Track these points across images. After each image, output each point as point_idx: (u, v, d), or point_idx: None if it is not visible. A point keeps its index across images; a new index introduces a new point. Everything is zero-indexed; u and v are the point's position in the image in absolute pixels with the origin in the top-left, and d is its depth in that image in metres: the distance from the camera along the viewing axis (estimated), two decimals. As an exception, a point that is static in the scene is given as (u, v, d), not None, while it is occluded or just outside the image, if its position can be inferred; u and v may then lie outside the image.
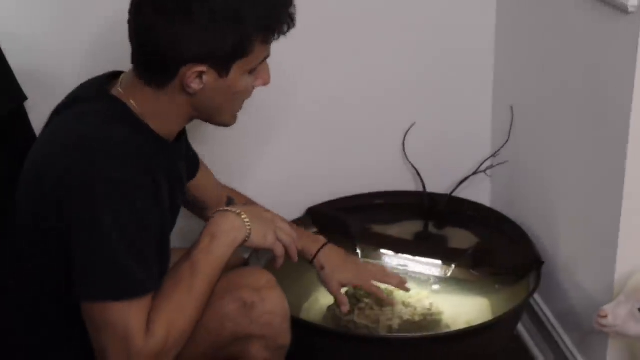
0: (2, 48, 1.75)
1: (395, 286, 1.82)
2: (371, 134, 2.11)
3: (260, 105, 1.80)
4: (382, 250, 2.00)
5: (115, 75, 1.43)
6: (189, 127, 1.55)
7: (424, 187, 2.09)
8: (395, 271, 1.95)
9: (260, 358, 1.44)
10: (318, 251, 1.73)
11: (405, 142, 2.11)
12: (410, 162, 2.12)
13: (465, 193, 2.12)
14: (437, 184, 2.11)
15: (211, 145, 1.79)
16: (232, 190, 1.81)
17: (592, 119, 1.67)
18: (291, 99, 2.00)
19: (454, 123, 2.14)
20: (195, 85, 1.33)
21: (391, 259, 2.00)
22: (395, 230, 2.08)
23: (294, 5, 1.37)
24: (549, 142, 1.91)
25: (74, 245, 1.26)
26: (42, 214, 1.30)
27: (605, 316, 1.47)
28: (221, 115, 1.44)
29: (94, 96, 1.39)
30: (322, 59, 1.97)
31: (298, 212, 2.03)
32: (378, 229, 2.05)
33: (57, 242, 1.27)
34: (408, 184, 2.15)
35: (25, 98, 1.79)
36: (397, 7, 1.99)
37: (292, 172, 1.95)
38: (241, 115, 1.52)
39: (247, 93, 1.43)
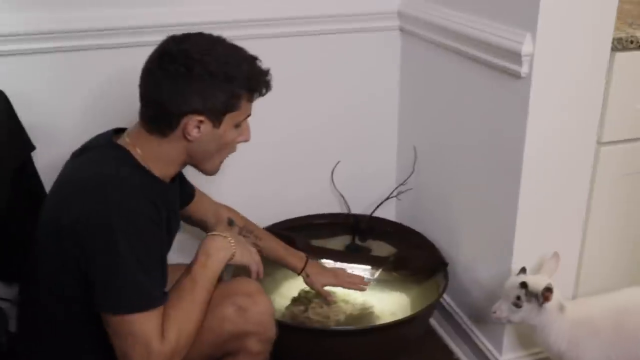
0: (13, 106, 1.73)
1: (358, 284, 1.92)
2: (307, 170, 2.16)
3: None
4: (323, 260, 2.03)
5: (118, 131, 1.43)
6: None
7: (349, 209, 2.15)
8: None
9: (255, 350, 1.44)
10: (304, 266, 1.85)
11: (333, 175, 2.18)
12: (337, 190, 2.18)
13: (378, 213, 2.16)
14: (359, 207, 2.17)
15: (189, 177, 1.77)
16: (232, 211, 1.81)
17: (488, 154, 1.70)
18: (246, 144, 2.04)
19: (369, 160, 2.22)
20: (194, 133, 1.34)
21: (331, 266, 2.02)
22: (331, 243, 2.11)
23: (270, 75, 1.40)
24: (447, 171, 1.94)
25: (95, 267, 1.25)
26: (61, 245, 1.28)
27: (495, 312, 1.59)
28: (210, 162, 1.43)
29: (103, 144, 1.39)
30: (269, 116, 1.95)
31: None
32: (317, 242, 2.08)
33: (76, 265, 1.27)
34: (337, 208, 2.19)
35: (33, 147, 1.77)
36: (321, 76, 2.06)
37: (246, 200, 1.93)
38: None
39: (232, 145, 1.44)
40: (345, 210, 2.18)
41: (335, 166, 2.18)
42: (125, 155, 1.36)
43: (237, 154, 1.96)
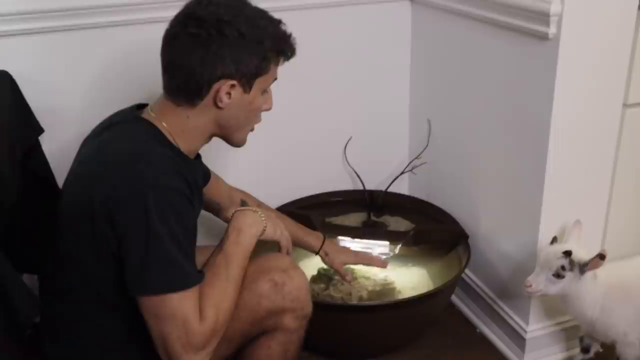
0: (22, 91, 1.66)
1: (379, 266, 1.82)
2: (319, 148, 2.10)
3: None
4: (340, 237, 1.96)
5: (139, 107, 1.36)
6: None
7: (363, 186, 2.09)
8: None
9: (292, 327, 1.40)
10: (322, 245, 1.74)
11: (346, 152, 2.11)
12: (351, 167, 2.12)
13: (393, 188, 2.11)
14: (373, 183, 2.12)
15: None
16: (245, 194, 1.75)
17: (511, 122, 1.65)
18: (262, 124, 2.00)
19: (382, 135, 2.16)
20: (226, 99, 1.28)
21: (349, 243, 1.96)
22: (347, 220, 2.06)
23: (295, 39, 1.34)
24: (463, 144, 1.89)
25: (129, 247, 1.19)
26: (91, 223, 1.21)
27: (530, 285, 1.49)
28: (239, 132, 1.38)
29: (129, 120, 1.32)
30: (279, 92, 1.93)
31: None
32: (333, 220, 2.03)
33: (106, 245, 1.21)
34: (350, 184, 2.14)
35: (42, 130, 1.68)
36: (330, 50, 1.99)
37: (260, 180, 1.89)
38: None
39: (259, 113, 1.38)
40: (359, 187, 2.11)
41: (347, 142, 2.11)
42: (154, 130, 1.29)
43: (252, 135, 1.94)
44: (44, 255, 1.38)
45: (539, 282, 1.48)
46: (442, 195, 2.05)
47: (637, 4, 1.47)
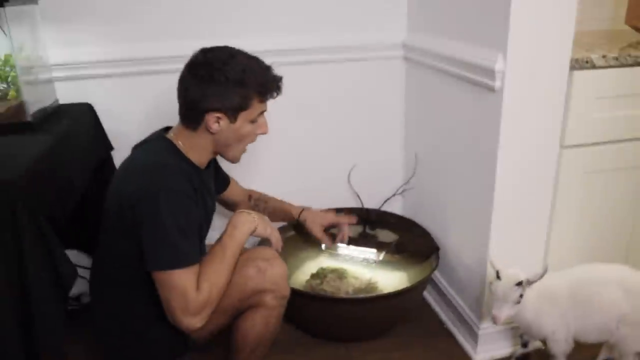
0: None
1: (350, 222, 1.89)
2: (329, 173, 2.15)
3: (259, 152, 1.90)
4: (339, 244, 1.96)
5: (167, 128, 1.46)
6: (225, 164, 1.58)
7: (362, 204, 2.13)
8: (347, 257, 1.99)
9: (272, 304, 1.44)
10: (300, 212, 1.82)
11: (350, 177, 2.16)
12: (353, 189, 2.17)
13: (387, 207, 2.15)
14: (370, 202, 2.14)
15: (232, 174, 1.81)
16: (253, 191, 1.83)
17: (470, 157, 1.67)
18: (279, 156, 2.06)
19: (379, 164, 2.18)
20: (215, 127, 1.35)
21: (344, 249, 2.02)
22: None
23: (282, 80, 1.38)
24: (440, 173, 1.91)
25: (144, 233, 1.27)
26: (123, 215, 1.30)
27: (498, 318, 1.44)
28: (231, 151, 1.43)
29: (155, 139, 1.43)
30: (296, 130, 2.04)
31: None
32: (334, 231, 2.00)
33: (132, 232, 1.29)
34: (353, 203, 2.17)
35: (112, 148, 1.85)
36: (341, 97, 2.05)
37: (280, 198, 1.91)
38: (248, 157, 1.54)
39: (250, 137, 1.42)
40: (359, 205, 2.16)
41: (351, 169, 2.17)
42: (171, 146, 1.39)
43: (270, 162, 2.02)
44: (95, 240, 1.48)
45: (503, 312, 1.45)
46: (423, 214, 2.07)
47: (568, 63, 1.49)
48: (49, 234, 1.24)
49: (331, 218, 1.87)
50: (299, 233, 1.98)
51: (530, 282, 1.44)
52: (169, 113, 1.81)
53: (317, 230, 1.82)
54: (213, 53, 1.34)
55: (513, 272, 1.46)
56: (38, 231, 1.22)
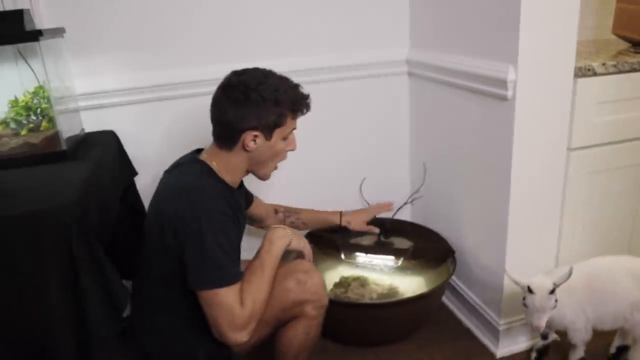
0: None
1: (388, 209, 2.09)
2: (342, 186, 2.19)
3: (280, 170, 1.88)
4: (357, 253, 2.04)
5: (198, 151, 1.48)
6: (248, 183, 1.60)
7: (375, 214, 2.12)
8: (365, 265, 2.01)
9: (312, 314, 1.46)
10: (340, 218, 1.90)
11: (362, 188, 2.20)
12: (365, 200, 2.21)
13: (398, 216, 2.18)
14: (382, 212, 2.14)
15: (255, 191, 1.82)
16: (278, 205, 1.86)
17: (483, 164, 1.71)
18: (294, 171, 2.08)
19: (388, 176, 2.23)
20: (251, 145, 1.38)
21: (363, 258, 2.04)
22: (362, 240, 2.10)
23: (310, 98, 1.43)
24: (450, 181, 1.95)
25: (188, 254, 1.29)
26: (164, 237, 1.32)
27: (541, 328, 1.47)
28: (264, 168, 1.45)
29: (189, 161, 1.44)
30: (310, 146, 2.07)
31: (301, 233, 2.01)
32: (352, 240, 2.09)
33: (174, 253, 1.31)
34: None
35: (136, 173, 1.86)
36: (350, 112, 2.09)
37: None
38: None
39: (282, 154, 1.45)
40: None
41: (362, 181, 2.21)
42: (206, 168, 1.41)
43: (288, 177, 2.04)
44: (135, 264, 1.50)
45: (543, 321, 1.48)
46: (435, 220, 2.12)
47: (573, 72, 1.56)
48: (101, 255, 1.27)
49: (370, 212, 2.00)
50: (316, 244, 2.02)
51: (557, 285, 1.48)
52: (188, 136, 1.90)
53: (364, 227, 1.94)
54: (246, 75, 1.37)
55: (540, 281, 1.49)
56: (92, 254, 1.25)
